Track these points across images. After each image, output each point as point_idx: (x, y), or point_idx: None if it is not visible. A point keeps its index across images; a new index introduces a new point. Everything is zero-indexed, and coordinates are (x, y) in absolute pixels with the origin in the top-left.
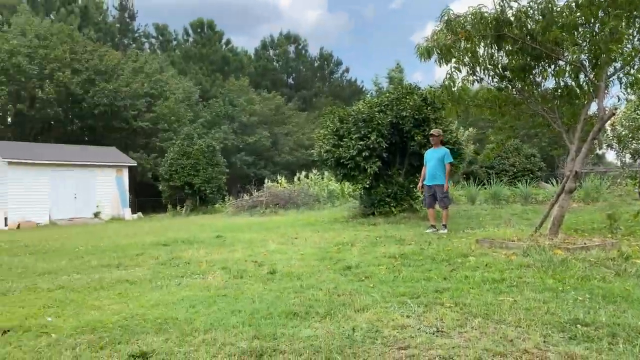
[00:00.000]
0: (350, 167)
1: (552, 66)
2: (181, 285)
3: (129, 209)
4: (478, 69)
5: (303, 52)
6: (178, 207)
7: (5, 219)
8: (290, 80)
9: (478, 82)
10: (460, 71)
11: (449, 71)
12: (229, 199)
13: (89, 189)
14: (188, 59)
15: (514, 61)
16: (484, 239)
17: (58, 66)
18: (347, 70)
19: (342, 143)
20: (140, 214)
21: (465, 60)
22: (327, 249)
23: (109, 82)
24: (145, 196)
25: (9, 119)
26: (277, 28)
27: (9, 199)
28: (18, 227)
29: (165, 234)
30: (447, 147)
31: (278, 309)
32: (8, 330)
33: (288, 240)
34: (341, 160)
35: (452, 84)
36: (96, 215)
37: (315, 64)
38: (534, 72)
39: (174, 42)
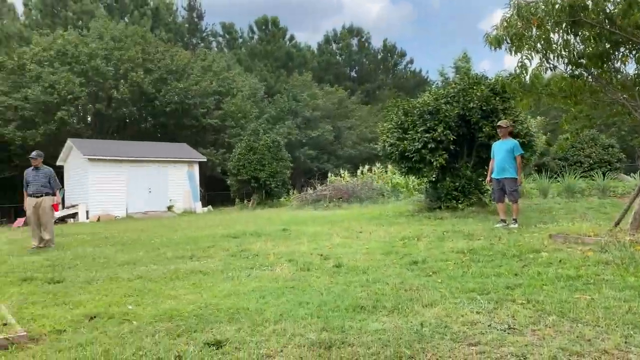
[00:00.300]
0: (415, 160)
1: (634, 52)
2: (251, 276)
3: (200, 203)
4: (551, 56)
5: (366, 44)
6: (245, 201)
7: (87, 212)
8: (353, 74)
9: (551, 70)
10: (532, 59)
11: (521, 59)
12: (293, 193)
13: (162, 183)
14: (253, 56)
15: (590, 47)
16: (557, 234)
17: (131, 66)
18: (411, 61)
19: (406, 136)
20: (210, 207)
21: (537, 47)
22: (392, 243)
23: (180, 81)
24: (215, 190)
25: (89, 118)
26: (340, 22)
27: (89, 193)
28: (98, 219)
29: (234, 227)
30: (516, 139)
31: (345, 302)
32: (94, 317)
33: (352, 234)
34: (406, 154)
35: (524, 72)
36: (169, 208)
37: (379, 56)
38: (612, 58)
39: (240, 40)
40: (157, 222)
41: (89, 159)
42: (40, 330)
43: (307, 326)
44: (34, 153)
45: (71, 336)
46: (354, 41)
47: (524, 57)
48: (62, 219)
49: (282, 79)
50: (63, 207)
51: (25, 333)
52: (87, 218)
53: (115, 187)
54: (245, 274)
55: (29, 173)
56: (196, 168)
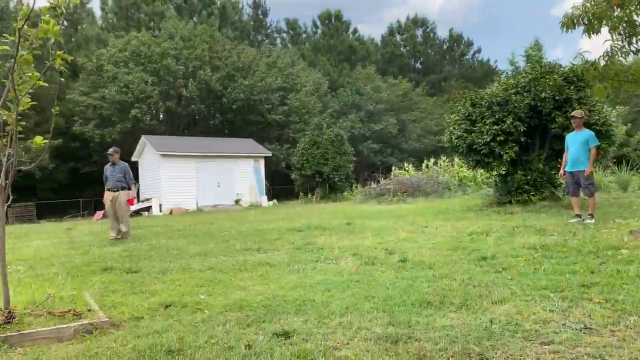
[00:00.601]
0: (483, 153)
1: None
2: (316, 269)
3: (265, 197)
4: (634, 39)
5: (431, 35)
6: (309, 195)
7: (160, 205)
8: (418, 65)
9: (634, 54)
10: (613, 42)
11: (611, 46)
12: (356, 187)
13: (230, 178)
14: (317, 51)
15: None
16: (639, 230)
17: (200, 65)
18: (478, 50)
19: (474, 128)
20: (275, 201)
21: (619, 29)
22: (459, 238)
23: (246, 78)
24: (279, 184)
25: (161, 116)
26: (404, 13)
27: (162, 187)
28: (170, 212)
29: (299, 220)
30: (592, 130)
31: (411, 297)
32: (169, 305)
33: (418, 228)
34: (474, 146)
35: (604, 57)
36: (236, 202)
37: (444, 47)
38: None
39: (304, 36)
40: (225, 215)
41: (161, 154)
42: (120, 317)
43: (373, 320)
44: (111, 150)
45: (148, 323)
46: (419, 32)
47: (605, 41)
48: (137, 212)
49: (345, 73)
50: (138, 201)
51: (107, 319)
52: (160, 211)
53: (186, 182)
54: (311, 267)
55: (107, 168)
56: (262, 163)
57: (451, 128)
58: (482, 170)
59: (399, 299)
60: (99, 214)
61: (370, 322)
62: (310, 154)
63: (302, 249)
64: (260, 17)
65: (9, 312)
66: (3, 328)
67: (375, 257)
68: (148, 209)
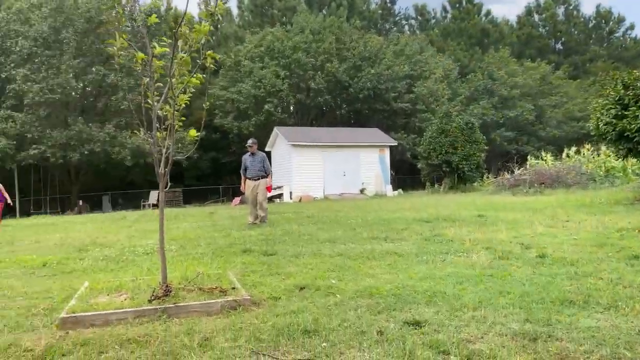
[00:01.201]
0: (637, 141)
1: None
2: (446, 261)
3: (390, 186)
4: None
5: (574, 12)
6: (436, 185)
7: (290, 192)
8: (559, 46)
9: None
10: None
11: None
12: (487, 177)
13: (355, 167)
14: (446, 36)
15: None
16: None
17: (327, 57)
18: (631, 27)
19: (626, 113)
20: (400, 190)
21: None
22: (606, 234)
23: (372, 66)
24: (404, 174)
25: (291, 108)
26: None
27: (293, 176)
28: (300, 200)
29: (426, 210)
30: None
31: (551, 295)
32: (303, 288)
33: (557, 222)
34: (625, 134)
35: None
36: (362, 191)
37: (590, 25)
38: None
39: (433, 21)
40: (351, 203)
41: (292, 144)
42: (260, 296)
43: (509, 316)
44: (250, 141)
45: (285, 303)
46: (560, 10)
47: None
48: (270, 199)
49: (477, 57)
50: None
51: (249, 297)
52: (291, 198)
53: (314, 171)
54: (440, 259)
55: (246, 159)
56: (387, 152)
57: (598, 114)
58: (634, 160)
59: (537, 296)
60: (237, 200)
61: (505, 318)
62: (437, 143)
63: (430, 240)
64: (388, 5)
65: (167, 286)
66: (162, 300)
67: (510, 252)
68: (280, 196)
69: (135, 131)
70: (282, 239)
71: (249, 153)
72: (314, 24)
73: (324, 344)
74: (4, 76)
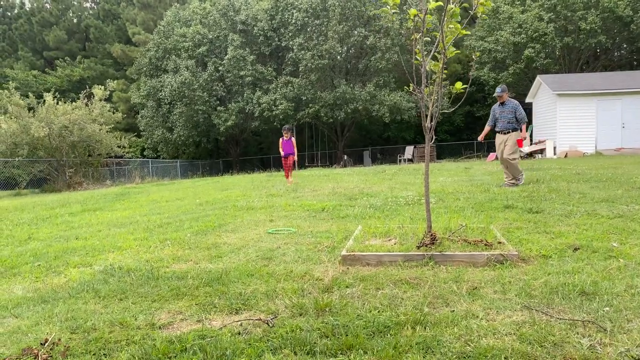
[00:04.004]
0: None
1: None
2: None
3: None
4: None
5: None
6: None
7: (554, 148)
8: None
9: None
10: None
11: None
12: None
13: (639, 117)
14: None
15: None
16: None
17: None
18: None
19: None
20: None
21: None
22: None
23: None
24: None
25: (557, 53)
26: None
27: (557, 129)
28: (565, 155)
29: None
30: None
31: None
32: (578, 248)
33: None
34: None
35: None
36: None
37: None
38: None
39: None
40: (632, 159)
41: (557, 94)
42: (528, 253)
43: None
44: (498, 89)
45: (556, 262)
46: None
47: None
48: (530, 154)
49: None
50: (531, 143)
51: (516, 253)
52: (555, 154)
53: (584, 123)
54: None
55: (495, 109)
56: None
57: None
58: None
59: None
60: (492, 156)
61: None
62: None
63: None
64: None
65: (432, 235)
66: (429, 247)
67: None
68: (541, 151)
69: (406, 87)
70: (548, 196)
71: (498, 103)
72: None
73: (607, 308)
74: (283, 45)
